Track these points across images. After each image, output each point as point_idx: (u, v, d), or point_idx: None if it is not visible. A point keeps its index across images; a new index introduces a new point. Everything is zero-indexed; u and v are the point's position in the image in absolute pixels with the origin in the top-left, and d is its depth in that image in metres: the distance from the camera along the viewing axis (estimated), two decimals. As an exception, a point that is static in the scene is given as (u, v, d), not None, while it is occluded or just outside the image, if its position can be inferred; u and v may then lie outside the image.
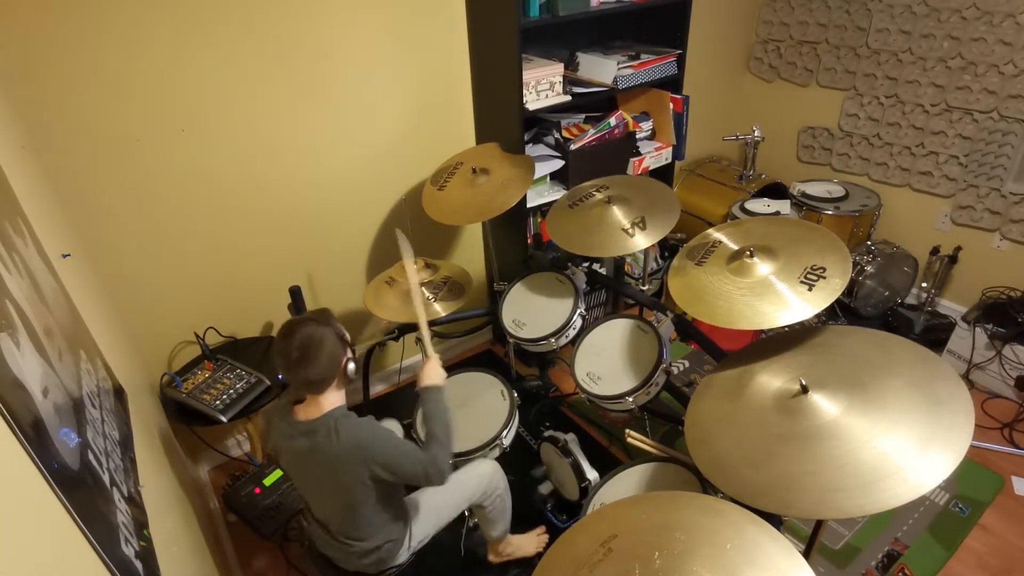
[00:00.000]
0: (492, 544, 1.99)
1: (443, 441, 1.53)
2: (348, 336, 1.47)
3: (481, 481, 1.78)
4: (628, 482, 1.67)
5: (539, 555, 2.03)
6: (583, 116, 2.73)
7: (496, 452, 1.92)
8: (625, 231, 1.97)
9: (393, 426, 1.91)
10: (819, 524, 1.44)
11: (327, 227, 2.44)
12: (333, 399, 1.46)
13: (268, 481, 2.14)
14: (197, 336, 2.20)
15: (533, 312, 2.18)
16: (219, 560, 1.95)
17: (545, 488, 2.20)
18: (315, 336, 1.38)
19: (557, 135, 2.62)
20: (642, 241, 1.94)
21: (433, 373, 1.65)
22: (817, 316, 1.55)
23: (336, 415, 1.44)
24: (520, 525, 2.04)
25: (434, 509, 1.70)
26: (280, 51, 2.07)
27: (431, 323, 2.23)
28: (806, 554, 1.41)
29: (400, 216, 2.58)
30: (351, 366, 1.47)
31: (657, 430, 2.53)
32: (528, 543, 2.04)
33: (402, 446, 1.48)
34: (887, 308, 3.02)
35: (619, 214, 2.03)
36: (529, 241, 2.72)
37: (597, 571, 1.03)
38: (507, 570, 2.02)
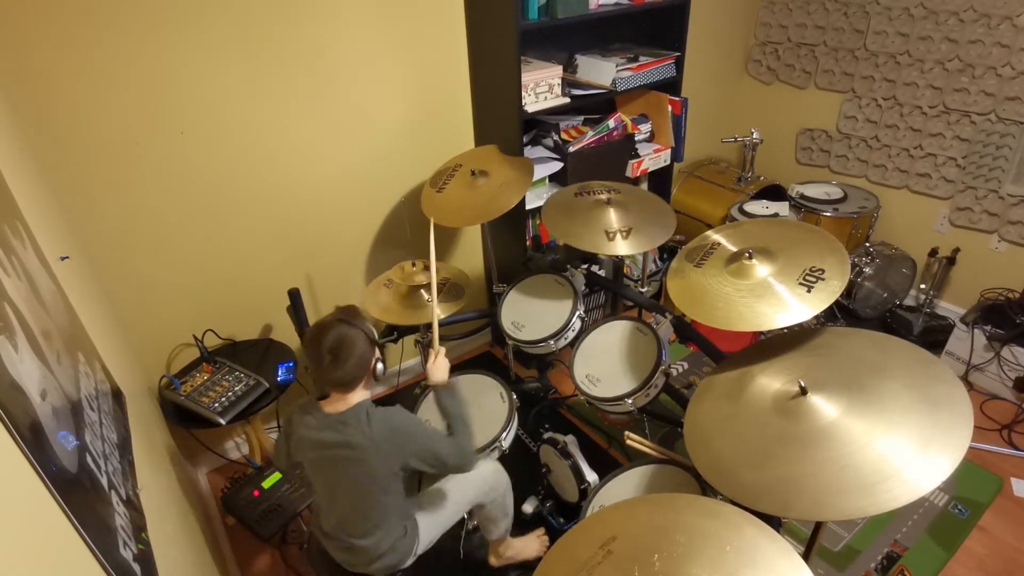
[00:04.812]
0: (493, 545, 1.98)
1: (467, 431, 1.62)
2: (376, 335, 1.51)
3: (485, 481, 1.78)
4: (627, 484, 1.67)
5: (539, 558, 2.03)
6: (582, 118, 2.74)
7: (495, 454, 1.92)
8: (607, 233, 1.99)
9: None
10: (818, 526, 1.43)
11: (326, 229, 2.44)
12: (360, 395, 1.50)
13: (267, 484, 2.14)
14: (195, 338, 2.20)
15: (532, 314, 2.18)
16: (218, 563, 1.94)
17: (529, 505, 2.17)
18: (346, 338, 1.42)
19: (556, 137, 2.63)
20: (622, 248, 1.96)
21: (442, 368, 1.72)
22: (816, 318, 1.55)
23: (366, 406, 1.48)
24: (518, 528, 2.04)
25: (441, 512, 1.70)
26: (279, 53, 2.07)
27: (430, 325, 2.24)
28: (806, 556, 1.41)
29: (399, 218, 2.58)
30: (380, 366, 1.52)
31: (656, 432, 2.53)
32: (529, 546, 2.04)
33: (434, 433, 1.57)
34: (886, 310, 3.02)
35: (613, 216, 2.04)
36: (528, 243, 2.72)
37: (596, 573, 1.03)
38: (506, 573, 2.02)
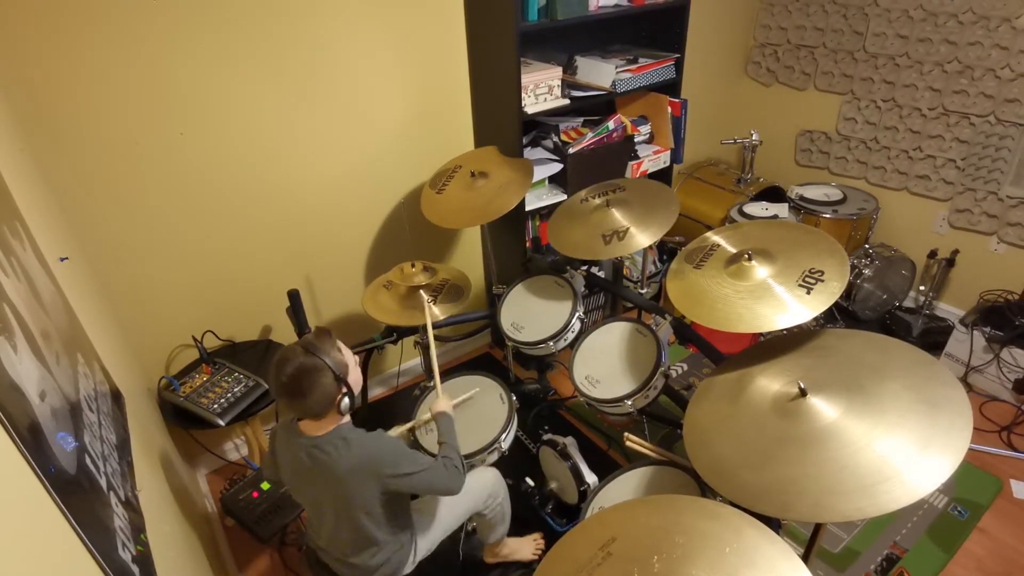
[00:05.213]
0: (489, 546, 1.99)
1: (458, 456, 1.60)
2: (346, 366, 1.39)
3: (484, 489, 1.78)
4: (627, 486, 1.67)
5: (532, 561, 2.04)
6: (581, 120, 2.74)
7: (495, 456, 1.92)
8: (603, 237, 1.99)
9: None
10: (818, 527, 1.43)
11: (326, 230, 2.44)
12: (334, 420, 1.42)
13: (266, 485, 2.13)
14: (195, 339, 2.20)
15: (532, 315, 2.18)
16: (216, 565, 1.94)
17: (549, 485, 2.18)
18: (307, 372, 1.32)
19: (556, 138, 2.63)
20: (637, 242, 1.95)
21: (445, 404, 1.79)
22: (815, 319, 1.55)
23: (343, 432, 1.42)
24: (517, 529, 2.04)
25: (438, 521, 1.70)
26: (279, 54, 2.07)
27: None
28: (805, 558, 1.41)
29: (399, 219, 2.59)
30: (346, 402, 1.39)
31: (656, 433, 2.53)
32: (524, 547, 2.05)
33: (417, 456, 1.49)
34: (885, 311, 3.02)
35: (615, 216, 2.04)
36: (528, 244, 2.73)
37: (596, 575, 1.03)
38: (507, 573, 2.02)
